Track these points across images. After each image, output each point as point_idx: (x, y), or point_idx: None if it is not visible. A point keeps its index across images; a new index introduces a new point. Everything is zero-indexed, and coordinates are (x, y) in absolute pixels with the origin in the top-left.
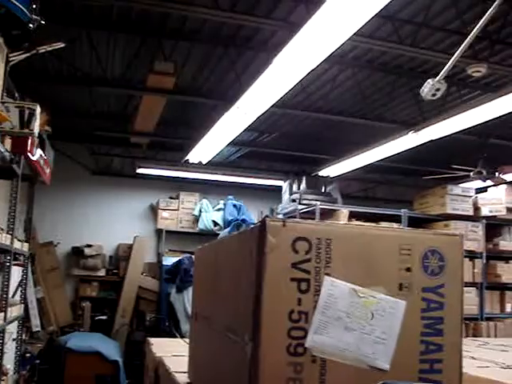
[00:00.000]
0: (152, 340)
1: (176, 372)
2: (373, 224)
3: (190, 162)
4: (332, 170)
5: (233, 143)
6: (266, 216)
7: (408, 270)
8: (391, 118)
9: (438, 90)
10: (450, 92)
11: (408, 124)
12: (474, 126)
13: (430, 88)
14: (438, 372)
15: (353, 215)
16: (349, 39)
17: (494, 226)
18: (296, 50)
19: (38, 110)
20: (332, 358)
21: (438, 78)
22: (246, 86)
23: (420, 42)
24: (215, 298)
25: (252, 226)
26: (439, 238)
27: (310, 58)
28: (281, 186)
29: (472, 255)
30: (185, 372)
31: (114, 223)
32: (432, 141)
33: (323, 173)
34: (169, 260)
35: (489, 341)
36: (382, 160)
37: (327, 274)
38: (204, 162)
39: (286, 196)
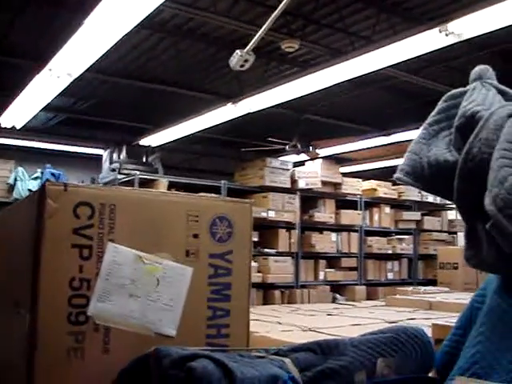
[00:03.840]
0: None
1: None
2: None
3: (3, 126)
4: (153, 140)
5: (49, 108)
6: (47, 180)
7: (195, 236)
8: (212, 89)
9: (246, 61)
10: (269, 67)
11: (229, 96)
12: (289, 101)
13: (238, 59)
14: (225, 336)
15: (173, 185)
16: (164, 5)
17: (309, 199)
18: (108, 12)
19: None
20: (116, 325)
21: (246, 49)
22: (59, 48)
23: (240, 16)
24: (6, 269)
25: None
26: (228, 205)
27: (123, 20)
28: (102, 155)
29: (289, 226)
30: None
31: None
32: (251, 113)
33: (144, 142)
34: None
35: (301, 307)
36: (203, 131)
37: (111, 240)
38: (18, 127)
39: (106, 165)
